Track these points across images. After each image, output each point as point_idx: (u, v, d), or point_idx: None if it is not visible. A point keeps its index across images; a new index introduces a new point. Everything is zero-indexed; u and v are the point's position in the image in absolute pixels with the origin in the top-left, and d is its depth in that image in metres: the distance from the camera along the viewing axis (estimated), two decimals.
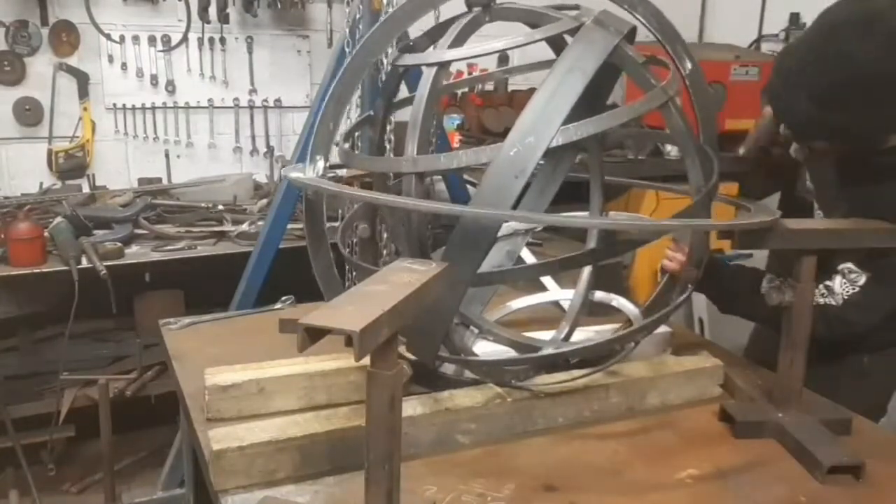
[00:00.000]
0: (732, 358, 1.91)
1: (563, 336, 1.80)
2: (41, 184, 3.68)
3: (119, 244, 3.03)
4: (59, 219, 3.02)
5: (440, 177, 2.87)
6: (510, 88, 4.17)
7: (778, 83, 1.72)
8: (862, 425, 1.64)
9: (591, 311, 1.92)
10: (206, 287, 3.17)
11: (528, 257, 2.16)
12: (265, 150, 4.13)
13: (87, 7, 3.58)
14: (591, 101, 1.77)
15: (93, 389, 3.04)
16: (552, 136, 1.29)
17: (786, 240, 1.50)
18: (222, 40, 3.94)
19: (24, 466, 3.12)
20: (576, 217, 1.49)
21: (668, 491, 1.40)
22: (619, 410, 1.65)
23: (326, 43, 4.01)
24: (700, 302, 3.82)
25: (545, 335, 1.81)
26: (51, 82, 3.66)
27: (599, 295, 1.89)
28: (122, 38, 3.76)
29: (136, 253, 3.09)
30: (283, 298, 2.23)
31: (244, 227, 3.29)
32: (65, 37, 3.66)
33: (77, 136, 3.75)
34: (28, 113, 3.65)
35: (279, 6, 3.88)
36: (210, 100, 3.99)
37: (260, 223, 3.21)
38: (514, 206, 1.29)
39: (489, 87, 4.26)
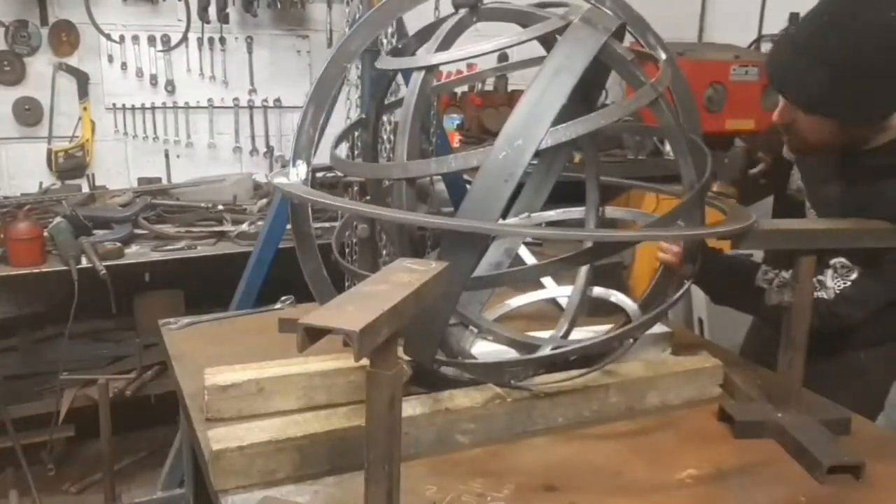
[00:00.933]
0: (732, 358, 1.91)
1: (561, 334, 1.80)
2: (41, 184, 3.68)
3: (119, 244, 3.04)
4: (58, 219, 3.02)
5: (440, 176, 2.87)
6: (510, 88, 4.17)
7: (789, 55, 1.70)
8: (861, 425, 1.64)
9: (591, 311, 1.92)
10: (206, 287, 3.17)
11: (527, 256, 2.16)
12: (265, 149, 4.13)
13: (86, 7, 3.58)
14: (585, 95, 1.77)
15: (92, 389, 3.04)
16: (541, 139, 1.29)
17: (763, 241, 1.52)
18: (222, 40, 3.94)
19: (23, 466, 3.12)
20: (559, 232, 1.48)
21: (668, 491, 1.40)
22: (618, 410, 1.65)
23: (326, 43, 4.01)
24: (700, 302, 3.82)
25: (544, 334, 1.81)
26: (50, 82, 3.66)
27: (598, 290, 1.89)
28: (122, 38, 3.76)
29: (136, 253, 3.09)
30: (283, 298, 2.23)
31: (244, 226, 3.29)
32: (64, 37, 3.66)
33: (77, 136, 3.75)
34: (28, 113, 3.65)
35: (279, 6, 3.88)
36: (210, 100, 3.99)
37: (260, 223, 3.22)
38: (509, 207, 1.28)
39: (489, 86, 4.26)
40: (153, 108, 3.89)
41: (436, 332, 1.45)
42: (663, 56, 1.61)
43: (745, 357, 2.01)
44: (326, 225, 3.05)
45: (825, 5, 1.69)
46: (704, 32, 5.05)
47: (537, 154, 1.30)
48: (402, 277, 1.12)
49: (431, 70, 1.45)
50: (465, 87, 4.25)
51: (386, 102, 1.88)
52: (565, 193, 2.05)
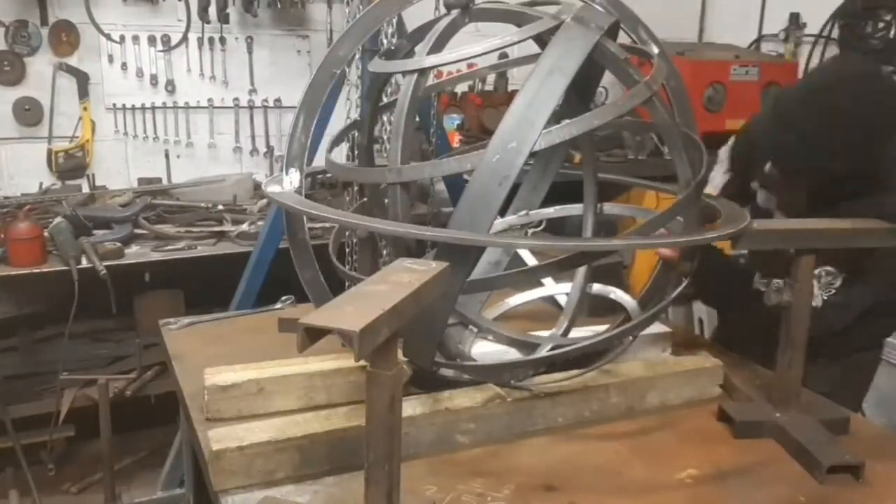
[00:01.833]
0: (732, 358, 1.91)
1: (561, 332, 1.80)
2: (41, 184, 3.69)
3: (119, 244, 3.04)
4: (58, 219, 3.02)
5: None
6: (510, 88, 4.18)
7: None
8: (860, 425, 1.64)
9: (590, 310, 1.92)
10: (206, 287, 3.17)
11: (527, 254, 2.16)
12: (265, 149, 4.13)
13: (86, 7, 3.58)
14: (581, 94, 1.77)
15: (92, 389, 3.04)
16: (535, 140, 1.29)
17: (760, 241, 1.52)
18: (222, 40, 3.94)
19: (23, 466, 3.13)
20: (550, 243, 1.49)
21: (667, 491, 1.40)
22: (618, 410, 1.65)
23: (326, 43, 4.00)
24: (699, 302, 3.82)
25: (543, 333, 1.81)
26: (50, 82, 3.66)
27: (597, 287, 1.89)
28: (122, 38, 3.76)
29: (136, 253, 3.09)
30: (283, 298, 2.23)
31: (244, 226, 3.29)
32: (64, 37, 3.66)
33: (77, 136, 3.76)
34: (28, 113, 3.65)
35: (279, 6, 3.88)
36: (210, 100, 3.99)
37: (260, 223, 3.22)
38: (507, 205, 1.28)
39: (489, 86, 4.27)
40: (153, 108, 3.89)
41: (434, 334, 1.45)
42: (655, 51, 1.61)
43: (717, 342, 2.05)
44: (327, 225, 3.05)
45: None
46: (704, 32, 5.05)
47: (533, 154, 1.30)
48: (401, 277, 1.12)
49: (423, 73, 1.45)
50: (465, 87, 4.26)
51: (384, 102, 1.88)
52: (565, 192, 2.05)
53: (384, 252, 2.31)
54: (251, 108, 4.08)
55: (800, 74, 4.35)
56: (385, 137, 2.38)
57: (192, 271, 3.21)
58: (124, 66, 3.80)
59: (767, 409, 1.61)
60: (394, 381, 1.05)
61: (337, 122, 2.23)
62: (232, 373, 1.58)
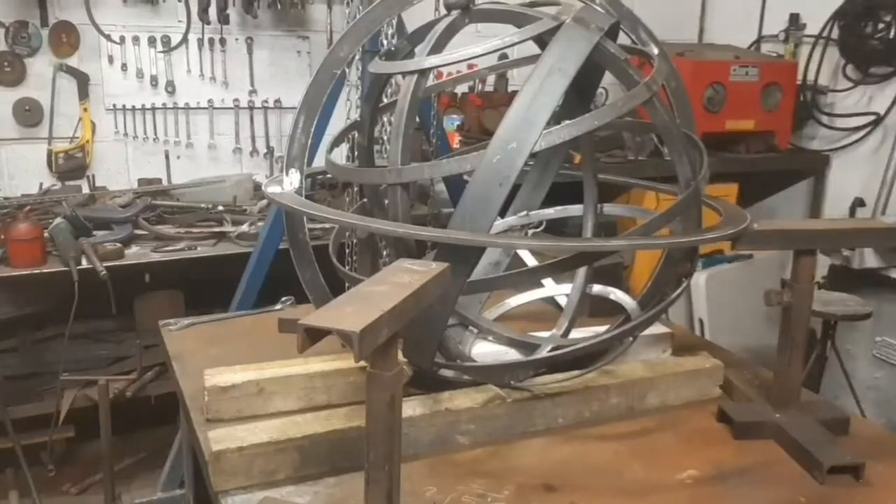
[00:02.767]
0: (732, 358, 1.91)
1: (561, 333, 1.80)
2: (41, 184, 3.69)
3: (119, 245, 3.04)
4: (58, 219, 3.02)
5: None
6: (510, 89, 4.18)
7: None
8: (860, 425, 1.64)
9: (591, 310, 1.92)
10: (206, 288, 3.17)
11: (526, 254, 2.16)
12: (265, 150, 4.14)
13: (87, 8, 3.58)
14: (581, 95, 1.78)
15: (93, 390, 3.04)
16: (535, 141, 1.29)
17: (759, 242, 1.52)
18: (222, 41, 3.94)
19: (23, 467, 3.12)
20: (549, 243, 1.49)
21: (668, 492, 1.40)
22: (618, 411, 1.65)
23: (326, 44, 4.00)
24: (700, 302, 3.83)
25: (544, 333, 1.81)
26: (51, 83, 3.66)
27: (597, 288, 1.89)
28: (122, 39, 3.76)
29: (136, 253, 3.09)
30: (283, 299, 2.23)
31: (244, 227, 3.29)
32: (65, 37, 3.66)
33: (77, 137, 3.76)
34: (28, 113, 3.65)
35: (279, 7, 3.88)
36: (210, 100, 3.99)
37: (260, 224, 3.22)
38: (507, 205, 1.28)
39: (489, 87, 4.27)
40: (153, 108, 3.90)
41: (434, 334, 1.45)
42: (655, 51, 1.61)
43: None
44: (327, 226, 3.05)
45: None
46: (705, 33, 5.06)
47: (533, 155, 1.30)
48: (401, 278, 1.12)
49: (424, 74, 1.45)
50: (465, 88, 4.26)
51: (385, 103, 1.88)
52: (565, 192, 2.05)
53: (384, 253, 2.31)
54: (251, 108, 4.08)
55: (800, 75, 4.35)
56: (385, 138, 2.38)
57: (192, 272, 3.21)
58: (124, 66, 3.80)
59: (767, 410, 1.61)
60: (394, 381, 1.05)
61: (337, 123, 2.23)
62: (232, 373, 1.59)
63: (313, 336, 0.97)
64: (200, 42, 3.90)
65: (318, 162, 1.81)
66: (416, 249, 1.43)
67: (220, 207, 3.50)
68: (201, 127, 4.02)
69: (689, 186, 1.52)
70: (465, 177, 1.35)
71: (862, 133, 4.22)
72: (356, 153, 2.35)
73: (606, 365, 1.66)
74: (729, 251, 3.90)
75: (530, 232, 2.09)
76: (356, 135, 1.98)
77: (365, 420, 1.07)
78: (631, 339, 1.69)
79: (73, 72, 3.69)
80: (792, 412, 1.58)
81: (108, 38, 3.71)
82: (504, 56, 3.06)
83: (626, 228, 2.59)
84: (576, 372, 1.62)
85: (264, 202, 3.54)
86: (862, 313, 3.02)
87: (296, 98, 4.13)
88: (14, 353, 3.49)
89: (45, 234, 2.94)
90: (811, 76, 4.36)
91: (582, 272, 1.89)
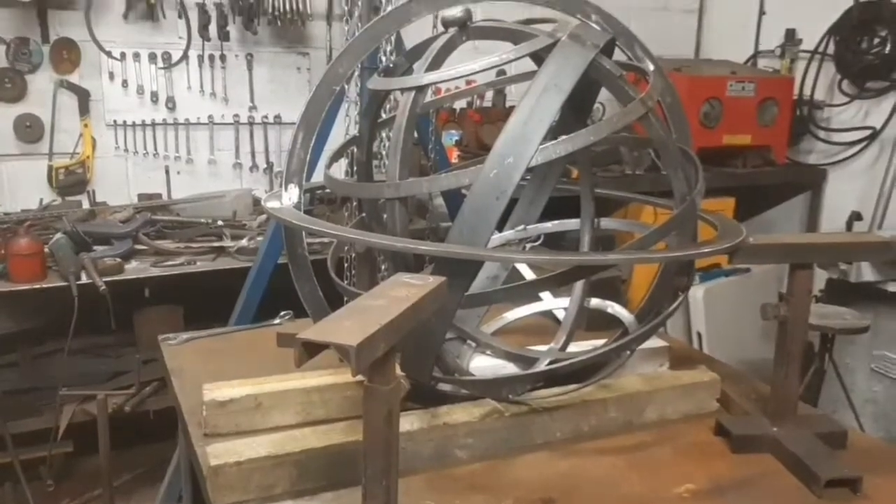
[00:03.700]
0: (729, 372, 1.91)
1: (559, 346, 1.80)
2: (41, 200, 3.70)
3: (119, 260, 3.04)
4: (58, 234, 3.03)
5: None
6: (508, 104, 4.20)
7: None
8: (857, 438, 1.64)
9: (588, 324, 1.92)
10: (206, 302, 3.18)
11: (524, 268, 2.16)
12: (265, 166, 4.15)
13: (87, 24, 3.61)
14: (577, 111, 1.79)
15: (91, 405, 3.04)
16: (531, 156, 1.30)
17: (755, 256, 1.53)
18: (222, 57, 3.96)
19: (22, 482, 3.12)
20: (546, 257, 1.50)
21: None
22: (616, 425, 1.65)
23: (326, 60, 4.04)
24: (698, 316, 3.83)
25: (542, 347, 1.82)
26: (51, 99, 3.69)
27: (595, 302, 1.90)
28: (123, 56, 3.79)
29: (136, 268, 3.10)
30: (282, 313, 2.23)
31: (243, 242, 3.30)
32: (65, 54, 3.69)
33: (77, 153, 3.77)
34: (29, 129, 3.67)
35: (279, 24, 3.91)
36: (210, 116, 4.02)
37: (259, 239, 3.23)
38: (504, 219, 1.29)
39: (487, 103, 4.29)
40: (154, 124, 3.92)
41: (432, 348, 1.46)
42: (651, 67, 1.63)
43: None
44: (326, 240, 3.06)
45: None
46: (701, 48, 5.09)
47: (530, 169, 1.31)
48: (399, 292, 1.13)
49: (422, 90, 1.47)
50: (463, 104, 4.28)
51: (383, 118, 1.90)
52: (562, 207, 2.06)
53: (382, 267, 2.32)
54: (251, 124, 4.10)
55: (796, 90, 4.38)
56: (384, 153, 2.40)
57: (191, 287, 3.22)
58: (125, 83, 3.82)
59: (765, 424, 1.61)
60: (391, 395, 1.06)
61: (336, 139, 2.25)
62: (230, 388, 1.59)
63: (311, 350, 0.97)
64: (201, 58, 3.93)
65: (317, 177, 1.82)
66: (415, 263, 1.44)
67: (220, 222, 3.51)
68: (201, 142, 4.04)
69: (684, 201, 1.53)
70: (463, 191, 1.36)
71: (858, 147, 4.24)
72: (355, 168, 2.37)
73: (604, 379, 1.66)
74: (726, 265, 3.91)
75: (528, 246, 2.10)
76: (355, 150, 1.99)
77: (362, 434, 1.08)
78: (628, 352, 1.69)
79: (73, 88, 3.71)
80: (789, 426, 1.58)
81: (108, 54, 3.73)
82: (502, 72, 3.10)
83: (623, 242, 2.60)
84: (573, 386, 1.62)
85: (263, 217, 3.55)
86: (859, 327, 3.02)
87: (295, 114, 4.16)
88: (14, 367, 3.49)
89: (45, 250, 2.95)
90: (807, 91, 4.39)
91: (579, 286, 1.90)
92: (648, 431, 1.65)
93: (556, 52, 1.41)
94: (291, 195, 1.55)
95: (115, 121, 3.84)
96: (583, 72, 1.39)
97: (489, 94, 4.27)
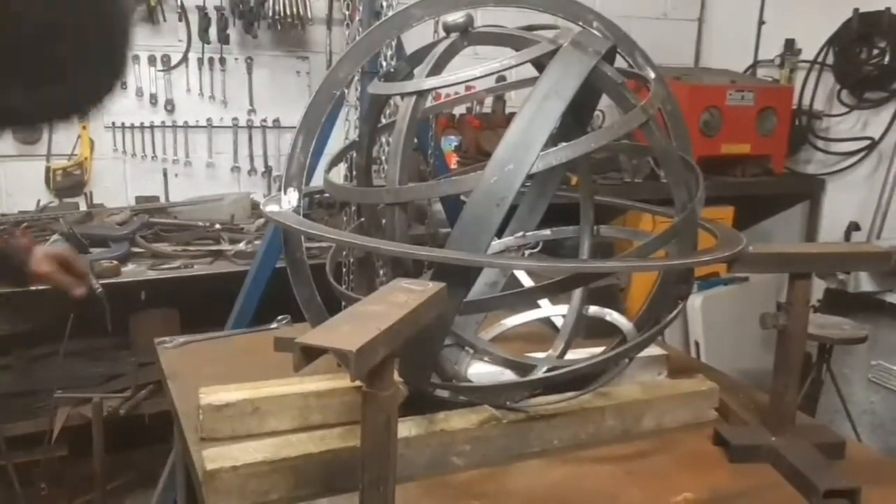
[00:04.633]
0: (728, 381, 1.91)
1: (557, 354, 1.80)
2: (38, 201, 3.69)
3: (115, 262, 3.03)
4: (55, 236, 3.03)
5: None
6: (508, 110, 4.20)
7: None
8: (856, 449, 1.63)
9: (586, 332, 1.92)
10: (202, 306, 3.16)
11: (523, 276, 2.16)
12: (263, 169, 4.15)
13: None
14: (577, 118, 1.79)
15: (86, 408, 3.03)
16: (531, 163, 1.30)
17: (754, 265, 1.52)
18: (222, 60, 3.96)
19: (15, 486, 3.10)
20: (545, 264, 1.50)
21: None
22: (614, 433, 1.64)
23: (326, 64, 4.03)
24: (696, 325, 3.83)
25: (540, 354, 1.81)
26: None
27: (594, 309, 1.89)
28: None
29: (133, 271, 3.09)
30: (279, 318, 2.23)
31: (241, 246, 3.29)
32: None
33: (75, 155, 3.77)
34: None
35: (279, 27, 3.91)
36: (209, 119, 4.01)
37: (257, 242, 3.22)
38: (504, 226, 1.29)
39: (487, 108, 4.29)
40: (152, 127, 3.91)
41: (430, 354, 1.45)
42: (652, 75, 1.63)
43: None
44: (324, 245, 3.05)
45: None
46: (701, 57, 5.11)
47: (530, 176, 1.31)
48: (398, 298, 1.12)
49: (422, 95, 1.47)
50: (463, 109, 4.29)
51: (383, 123, 1.90)
52: (562, 214, 2.06)
53: (381, 272, 2.31)
54: (250, 128, 4.10)
55: (795, 100, 4.39)
56: (383, 158, 2.39)
57: (188, 290, 3.21)
58: (124, 85, 3.81)
59: (763, 433, 1.60)
60: (389, 401, 1.05)
61: (335, 143, 2.24)
62: (227, 392, 1.58)
63: (309, 355, 0.97)
64: (200, 61, 3.92)
65: (317, 181, 1.82)
66: (413, 269, 1.44)
67: (218, 226, 3.51)
68: (200, 145, 4.04)
69: (684, 209, 1.53)
70: (463, 197, 1.36)
71: (857, 158, 4.25)
72: (354, 173, 2.37)
73: (602, 387, 1.65)
74: (725, 274, 3.90)
75: (527, 253, 2.10)
76: (354, 155, 1.99)
77: (360, 440, 1.07)
78: (627, 360, 1.69)
79: None
80: (788, 436, 1.57)
81: None
82: (502, 78, 3.10)
83: (623, 250, 2.60)
84: (571, 393, 1.62)
85: (261, 221, 3.55)
86: (858, 337, 3.02)
87: (294, 118, 4.17)
88: (8, 370, 3.47)
89: None
90: (806, 101, 4.40)
91: (578, 293, 1.89)
92: (646, 440, 1.64)
93: (558, 58, 1.40)
94: (290, 199, 1.55)
95: (113, 123, 3.83)
96: (584, 79, 1.38)
97: (489, 100, 4.28)
